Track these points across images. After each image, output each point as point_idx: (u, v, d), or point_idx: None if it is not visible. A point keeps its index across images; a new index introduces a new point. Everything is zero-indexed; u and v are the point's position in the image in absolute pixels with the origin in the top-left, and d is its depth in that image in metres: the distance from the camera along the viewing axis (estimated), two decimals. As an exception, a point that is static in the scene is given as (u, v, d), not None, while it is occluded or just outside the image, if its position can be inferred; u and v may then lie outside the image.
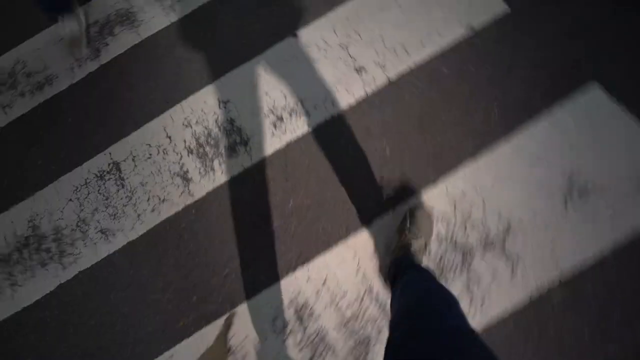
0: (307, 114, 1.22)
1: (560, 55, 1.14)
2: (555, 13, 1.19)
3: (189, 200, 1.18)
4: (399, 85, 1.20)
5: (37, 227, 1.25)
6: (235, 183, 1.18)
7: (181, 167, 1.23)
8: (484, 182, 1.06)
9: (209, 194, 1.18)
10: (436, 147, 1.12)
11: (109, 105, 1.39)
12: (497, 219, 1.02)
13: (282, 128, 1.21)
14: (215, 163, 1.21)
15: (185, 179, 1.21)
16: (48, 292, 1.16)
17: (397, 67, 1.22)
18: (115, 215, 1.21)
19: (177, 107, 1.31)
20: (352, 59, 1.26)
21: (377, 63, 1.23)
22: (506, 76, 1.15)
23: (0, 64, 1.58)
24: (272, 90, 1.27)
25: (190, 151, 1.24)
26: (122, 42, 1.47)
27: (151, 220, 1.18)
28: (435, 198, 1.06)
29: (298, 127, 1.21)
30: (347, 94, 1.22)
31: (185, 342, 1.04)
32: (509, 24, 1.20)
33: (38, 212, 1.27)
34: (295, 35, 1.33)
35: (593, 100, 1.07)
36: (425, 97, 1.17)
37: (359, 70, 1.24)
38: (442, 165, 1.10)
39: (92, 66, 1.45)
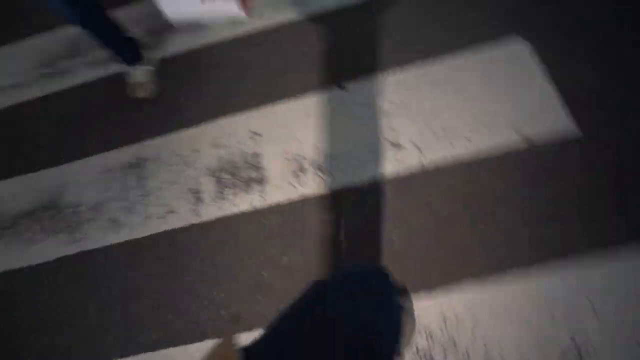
0: (331, 174, 1.19)
1: (611, 202, 1.01)
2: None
3: (194, 220, 1.22)
4: (431, 175, 1.13)
5: (61, 195, 1.35)
6: (240, 219, 1.19)
7: (197, 185, 1.27)
8: (482, 311, 0.99)
9: (213, 221, 1.21)
10: (447, 255, 1.06)
11: (155, 98, 1.45)
12: (482, 355, 0.96)
13: (301, 180, 1.20)
14: (228, 192, 1.23)
15: (198, 198, 1.25)
16: (51, 259, 1.26)
17: (435, 154, 1.15)
18: (128, 209, 1.28)
19: (212, 123, 1.34)
20: (392, 131, 1.20)
21: (415, 144, 1.17)
22: (547, 206, 1.05)
23: (72, 30, 1.68)
24: (303, 137, 1.25)
25: (209, 172, 1.27)
26: (182, 42, 1.51)
27: (156, 226, 1.24)
28: (426, 308, 1.01)
29: (317, 184, 1.19)
30: (376, 167, 1.17)
31: (145, 356, 1.10)
32: (571, 148, 1.08)
33: (66, 181, 1.37)
34: (343, 88, 1.30)
35: (635, 270, 0.95)
36: (452, 198, 1.10)
37: (395, 145, 1.18)
38: (446, 277, 1.04)
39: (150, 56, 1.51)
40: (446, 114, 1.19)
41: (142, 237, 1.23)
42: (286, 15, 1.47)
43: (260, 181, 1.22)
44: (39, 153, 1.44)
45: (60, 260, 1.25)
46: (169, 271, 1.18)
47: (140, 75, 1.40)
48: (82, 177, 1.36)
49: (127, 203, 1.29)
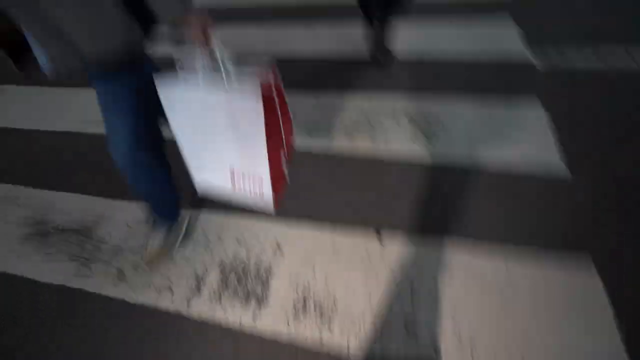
0: (330, 327, 1.08)
1: None
2: None
3: (183, 312, 1.17)
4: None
5: (96, 225, 1.46)
6: (222, 332, 1.11)
7: (204, 273, 1.25)
8: None
9: (201, 321, 1.14)
10: None
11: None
12: None
13: (299, 318, 1.10)
14: (225, 296, 1.18)
15: (198, 288, 1.22)
16: (55, 283, 1.30)
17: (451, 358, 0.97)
18: (137, 266, 1.31)
19: (246, 218, 1.38)
20: (413, 314, 1.07)
21: (433, 342, 1.01)
22: None
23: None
24: (320, 273, 1.19)
25: (221, 266, 1.26)
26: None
27: (148, 297, 1.21)
28: None
29: (312, 330, 1.08)
30: (380, 347, 1.03)
31: None
32: None
33: (106, 216, 1.48)
34: (378, 234, 1.24)
35: None
36: None
37: (410, 333, 1.04)
38: None
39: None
40: (484, 324, 1.03)
41: (132, 303, 1.21)
42: (346, 144, 1.55)
43: (260, 300, 1.16)
44: (102, 181, 1.62)
45: (59, 288, 1.28)
46: (134, 347, 1.11)
47: (160, 239, 1.31)
48: (120, 217, 1.47)
49: (139, 260, 1.32)
